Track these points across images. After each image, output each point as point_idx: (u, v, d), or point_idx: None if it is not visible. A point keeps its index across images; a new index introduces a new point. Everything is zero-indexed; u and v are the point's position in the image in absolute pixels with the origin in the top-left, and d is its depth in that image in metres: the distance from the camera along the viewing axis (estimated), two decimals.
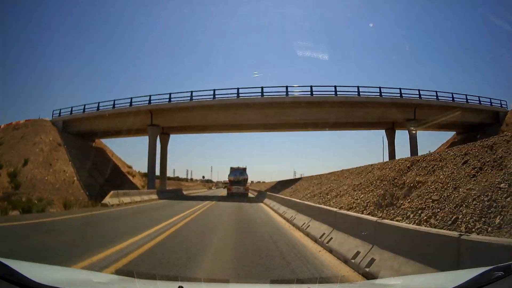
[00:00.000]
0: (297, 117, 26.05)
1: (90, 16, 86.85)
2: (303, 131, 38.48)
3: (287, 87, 25.32)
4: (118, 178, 31.03)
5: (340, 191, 10.32)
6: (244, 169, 33.96)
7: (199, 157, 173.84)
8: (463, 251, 2.92)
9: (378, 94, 27.52)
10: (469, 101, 32.98)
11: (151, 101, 27.64)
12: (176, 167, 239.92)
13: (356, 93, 26.58)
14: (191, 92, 26.27)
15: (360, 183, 9.96)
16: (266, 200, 18.16)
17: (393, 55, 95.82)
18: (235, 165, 34.06)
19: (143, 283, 2.50)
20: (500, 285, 1.47)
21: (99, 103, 30.98)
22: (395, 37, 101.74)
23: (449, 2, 73.56)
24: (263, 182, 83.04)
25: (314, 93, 25.63)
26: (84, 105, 32.23)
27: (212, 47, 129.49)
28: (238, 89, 25.53)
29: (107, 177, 29.82)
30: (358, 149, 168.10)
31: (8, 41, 67.43)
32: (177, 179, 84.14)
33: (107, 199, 15.38)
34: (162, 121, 28.16)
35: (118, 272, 4.08)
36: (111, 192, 16.13)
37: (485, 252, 2.70)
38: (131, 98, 28.70)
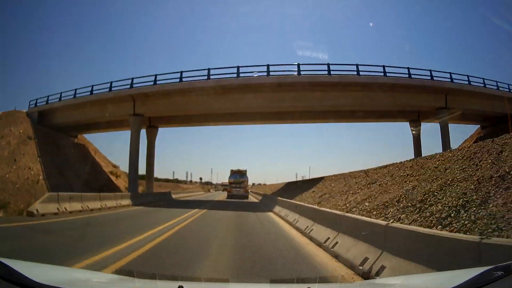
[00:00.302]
0: (310, 103, 20.19)
1: (90, 16, 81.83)
2: (313, 123, 32.65)
3: (298, 65, 19.48)
4: (97, 179, 25.09)
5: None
6: (245, 172, 33.07)
7: (199, 159, 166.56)
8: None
9: (407, 76, 21.74)
10: (500, 88, 27.17)
11: (133, 85, 21.70)
12: (176, 169, 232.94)
13: (382, 74, 20.78)
14: (181, 72, 20.43)
15: None
16: (278, 209, 12.27)
17: (393, 55, 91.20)
18: (235, 167, 33.12)
19: (143, 283, 2.39)
20: (500, 285, 1.36)
21: (76, 89, 25.10)
22: (395, 37, 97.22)
23: (449, 2, 69.30)
24: (264, 184, 77.35)
25: (331, 72, 19.74)
26: (61, 93, 26.40)
27: (212, 47, 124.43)
28: (238, 67, 19.67)
29: (82, 176, 23.87)
30: (359, 148, 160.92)
31: (8, 41, 62.84)
32: (176, 181, 78.53)
33: (36, 206, 9.54)
34: (147, 109, 22.23)
35: (118, 271, 3.66)
36: (46, 195, 10.33)
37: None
38: (111, 82, 22.81)
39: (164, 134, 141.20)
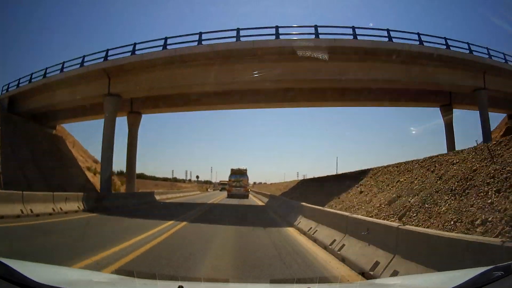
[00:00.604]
0: (329, 75, 15.22)
1: (90, 16, 76.70)
2: (328, 107, 27.61)
3: (316, 26, 14.52)
4: (67, 175, 19.94)
5: None
6: (245, 171, 32.12)
7: (198, 158, 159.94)
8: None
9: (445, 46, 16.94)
10: None
11: (108, 57, 16.65)
12: (175, 168, 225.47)
13: (418, 42, 16.01)
14: (165, 38, 15.43)
15: None
16: (306, 224, 6.57)
17: None
18: (235, 166, 32.08)
19: (143, 283, 2.26)
20: (500, 285, 1.30)
21: (46, 68, 20.11)
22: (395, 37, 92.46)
23: (449, 2, 65.04)
24: (265, 183, 72.25)
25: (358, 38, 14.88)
26: (31, 73, 21.40)
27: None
28: (238, 30, 14.70)
29: (48, 172, 18.79)
30: (359, 146, 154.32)
31: (8, 41, 58.20)
32: (175, 180, 73.44)
33: None
34: (126, 88, 17.21)
35: (118, 271, 3.42)
36: None
37: None
38: (83, 57, 17.77)
39: (163, 132, 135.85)
